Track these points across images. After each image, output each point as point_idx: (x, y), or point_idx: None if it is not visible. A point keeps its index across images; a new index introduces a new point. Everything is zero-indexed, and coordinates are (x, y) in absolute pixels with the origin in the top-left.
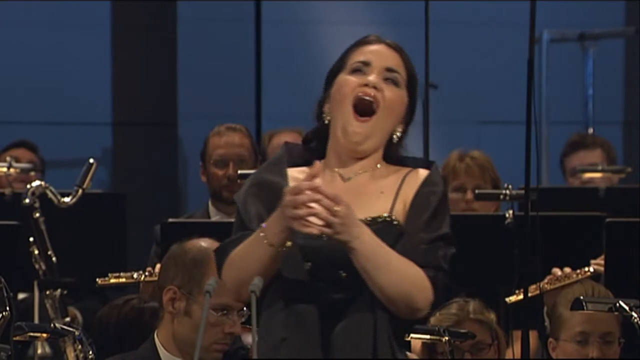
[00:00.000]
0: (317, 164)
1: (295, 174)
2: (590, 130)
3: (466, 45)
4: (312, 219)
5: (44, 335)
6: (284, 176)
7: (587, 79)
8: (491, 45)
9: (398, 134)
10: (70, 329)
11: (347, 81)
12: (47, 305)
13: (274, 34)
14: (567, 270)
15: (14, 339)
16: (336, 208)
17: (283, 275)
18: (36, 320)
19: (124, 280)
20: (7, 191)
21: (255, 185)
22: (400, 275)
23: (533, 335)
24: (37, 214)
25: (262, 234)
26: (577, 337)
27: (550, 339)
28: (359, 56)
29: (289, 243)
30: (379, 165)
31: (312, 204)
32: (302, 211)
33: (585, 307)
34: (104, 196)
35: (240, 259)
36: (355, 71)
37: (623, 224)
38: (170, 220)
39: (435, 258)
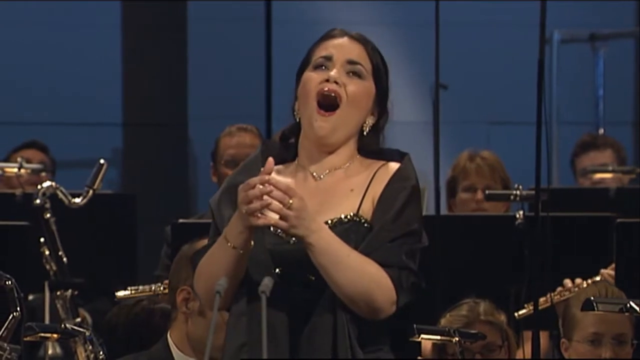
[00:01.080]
0: (270, 160)
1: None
2: (601, 131)
3: (476, 46)
4: (267, 211)
5: (55, 335)
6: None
7: (597, 80)
8: (501, 45)
9: (368, 126)
10: (81, 330)
11: (310, 78)
12: (58, 306)
13: (284, 34)
14: (578, 281)
15: (25, 339)
16: (290, 201)
17: (253, 280)
18: (47, 321)
19: (142, 293)
20: (18, 192)
21: (228, 189)
22: (359, 273)
23: (544, 336)
24: (48, 215)
25: (224, 238)
26: (589, 337)
27: (563, 340)
28: (321, 51)
29: (252, 243)
30: (351, 162)
31: (265, 197)
32: (255, 205)
33: (595, 308)
34: (114, 197)
35: (206, 267)
36: (318, 67)
37: (633, 225)
38: (181, 220)
39: (399, 256)
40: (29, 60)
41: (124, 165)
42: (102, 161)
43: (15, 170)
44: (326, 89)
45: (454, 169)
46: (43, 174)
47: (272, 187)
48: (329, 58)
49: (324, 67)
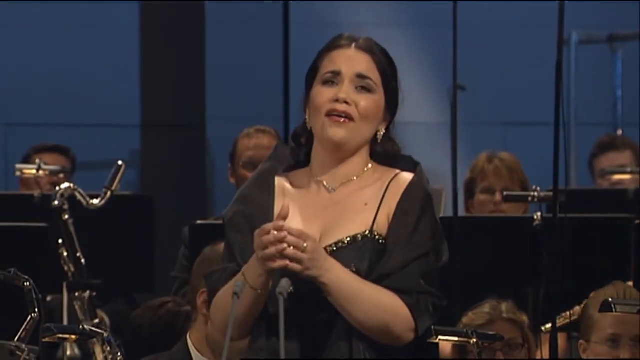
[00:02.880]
0: (286, 205)
1: (284, 182)
2: (619, 132)
3: (494, 47)
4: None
5: (73, 336)
6: (271, 190)
7: (615, 80)
8: (519, 46)
9: (381, 133)
10: (99, 331)
11: (320, 93)
12: (76, 307)
13: (301, 35)
14: None
15: (43, 340)
16: (304, 244)
17: (269, 314)
18: (65, 322)
19: None
20: (37, 193)
21: (241, 201)
22: (374, 306)
23: (562, 337)
24: (66, 216)
25: (243, 277)
26: (608, 339)
27: (581, 341)
28: (329, 65)
29: (271, 284)
30: (366, 169)
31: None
32: (270, 250)
33: (613, 309)
34: (132, 198)
35: (225, 303)
36: (327, 82)
37: None
38: (199, 222)
39: (416, 281)
40: (46, 62)
41: (142, 167)
42: (120, 162)
43: (34, 171)
44: (336, 111)
45: (472, 170)
46: (61, 175)
47: (285, 233)
48: (337, 73)
49: (333, 82)
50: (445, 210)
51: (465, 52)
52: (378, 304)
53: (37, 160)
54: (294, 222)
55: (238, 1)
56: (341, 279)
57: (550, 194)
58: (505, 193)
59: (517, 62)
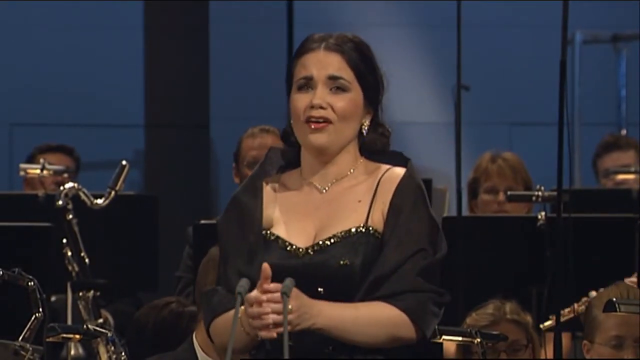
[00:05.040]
0: (266, 266)
1: (275, 186)
2: (623, 132)
3: (498, 47)
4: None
5: (77, 336)
6: (258, 195)
7: (619, 80)
8: (523, 46)
9: (366, 125)
10: (103, 330)
11: (296, 100)
12: (80, 307)
13: (305, 35)
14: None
15: (47, 340)
16: (290, 306)
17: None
18: (69, 322)
19: None
20: (41, 193)
21: (234, 208)
22: (374, 327)
23: (566, 337)
24: (70, 216)
25: (240, 320)
26: (612, 340)
27: (585, 342)
28: (301, 70)
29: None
30: (355, 167)
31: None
32: (257, 323)
33: (617, 309)
34: (136, 198)
35: (224, 330)
36: (301, 88)
37: None
38: (203, 221)
39: (413, 280)
40: (51, 62)
41: (146, 167)
42: (124, 162)
43: (38, 171)
44: (313, 117)
45: (476, 170)
46: (65, 175)
47: (265, 305)
48: (309, 78)
49: (307, 88)
50: (449, 210)
51: (469, 52)
52: (377, 323)
53: (41, 160)
54: (289, 224)
55: (242, 1)
56: (333, 318)
57: (554, 193)
58: (509, 193)
59: (521, 62)
